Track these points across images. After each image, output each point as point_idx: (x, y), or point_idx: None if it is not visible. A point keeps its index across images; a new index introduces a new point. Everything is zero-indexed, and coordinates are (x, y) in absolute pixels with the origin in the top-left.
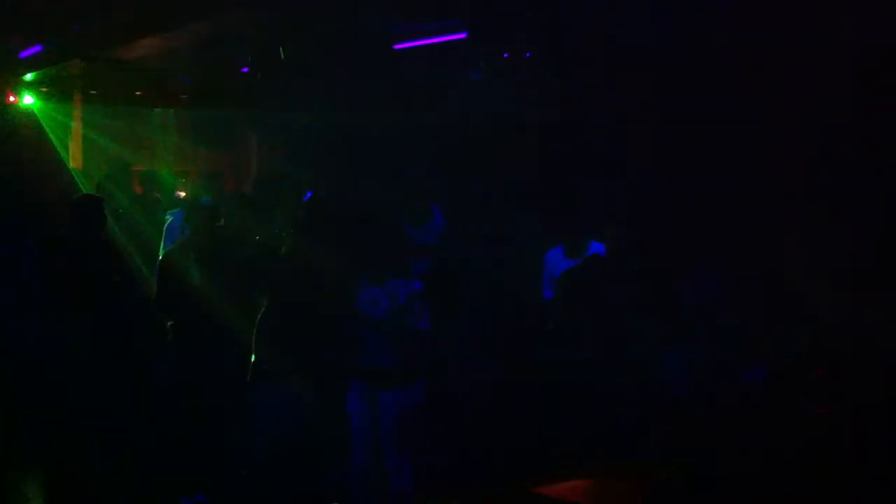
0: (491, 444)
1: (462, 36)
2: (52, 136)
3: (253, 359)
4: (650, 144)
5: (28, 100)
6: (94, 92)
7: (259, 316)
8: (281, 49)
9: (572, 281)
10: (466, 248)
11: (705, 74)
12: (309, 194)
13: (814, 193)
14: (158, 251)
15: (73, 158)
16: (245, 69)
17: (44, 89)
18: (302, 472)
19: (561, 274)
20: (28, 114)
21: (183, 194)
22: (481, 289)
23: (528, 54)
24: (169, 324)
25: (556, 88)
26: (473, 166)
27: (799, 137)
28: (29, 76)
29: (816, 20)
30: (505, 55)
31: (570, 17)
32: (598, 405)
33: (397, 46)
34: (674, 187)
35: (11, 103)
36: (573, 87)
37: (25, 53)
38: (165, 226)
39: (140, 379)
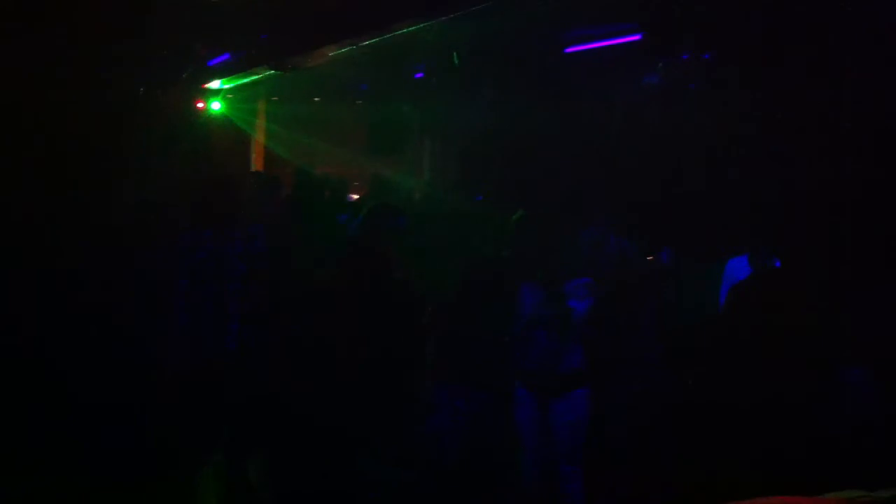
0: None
1: (637, 38)
2: (239, 141)
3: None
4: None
5: (215, 105)
6: (275, 98)
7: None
8: (454, 54)
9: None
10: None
11: None
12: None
13: None
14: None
15: (256, 163)
16: (419, 74)
17: (229, 95)
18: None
19: (731, 288)
20: (218, 118)
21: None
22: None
23: (706, 55)
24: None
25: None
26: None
27: None
28: (216, 83)
29: None
30: (684, 56)
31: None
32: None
33: (568, 50)
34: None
35: (201, 109)
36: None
37: (214, 62)
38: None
39: None
